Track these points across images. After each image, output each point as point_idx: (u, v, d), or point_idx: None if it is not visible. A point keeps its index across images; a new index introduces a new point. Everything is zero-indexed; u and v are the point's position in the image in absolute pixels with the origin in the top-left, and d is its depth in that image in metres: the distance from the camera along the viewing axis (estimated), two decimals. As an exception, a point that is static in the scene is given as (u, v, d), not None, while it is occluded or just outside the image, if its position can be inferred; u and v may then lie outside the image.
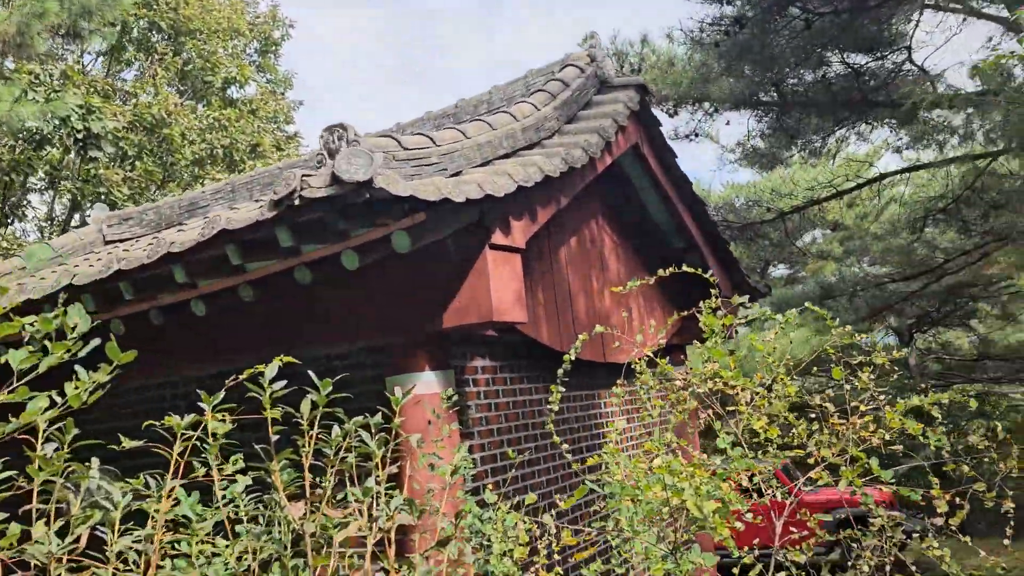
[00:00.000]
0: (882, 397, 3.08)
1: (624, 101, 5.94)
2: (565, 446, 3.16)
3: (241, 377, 2.33)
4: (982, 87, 11.12)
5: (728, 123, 10.54)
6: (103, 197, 12.79)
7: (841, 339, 3.26)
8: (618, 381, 3.83)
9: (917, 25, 8.78)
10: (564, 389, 5.64)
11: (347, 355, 4.71)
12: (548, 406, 3.26)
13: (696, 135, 10.56)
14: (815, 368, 20.55)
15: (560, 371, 3.57)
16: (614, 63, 6.96)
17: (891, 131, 12.51)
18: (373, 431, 2.44)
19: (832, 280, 12.78)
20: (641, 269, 7.16)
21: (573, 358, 3.28)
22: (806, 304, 3.69)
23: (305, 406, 2.27)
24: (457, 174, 4.23)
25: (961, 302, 19.30)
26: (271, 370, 2.25)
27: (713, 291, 3.26)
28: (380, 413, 2.64)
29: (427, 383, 4.31)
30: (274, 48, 17.98)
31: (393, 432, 2.58)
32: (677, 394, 3.11)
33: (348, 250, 3.73)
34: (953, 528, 2.78)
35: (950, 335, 23.18)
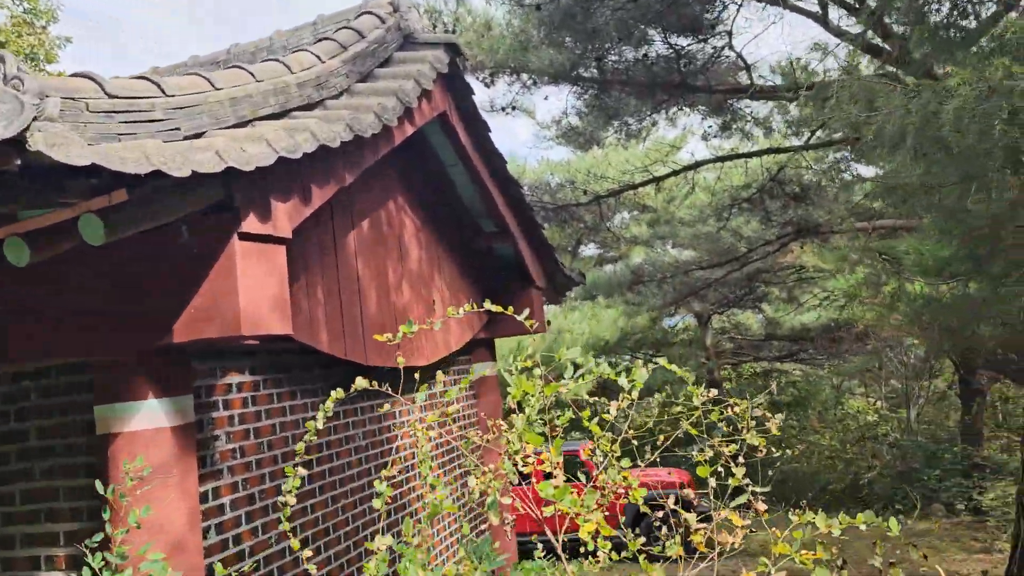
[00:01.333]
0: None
1: (431, 61, 5.02)
2: (307, 552, 2.23)
3: None
4: (784, 81, 11.20)
5: (547, 97, 9.93)
6: None
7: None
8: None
9: (739, 10, 8.50)
10: (331, 415, 4.68)
11: (44, 375, 3.49)
12: (298, 459, 2.31)
13: (513, 108, 9.85)
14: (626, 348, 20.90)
15: (321, 411, 2.65)
16: (424, 19, 6.01)
17: (702, 117, 12.49)
18: None
19: (643, 265, 12.67)
20: (447, 256, 6.32)
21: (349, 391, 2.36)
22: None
23: None
24: (199, 136, 3.15)
25: (755, 287, 20.24)
26: None
27: (532, 340, 2.45)
28: None
29: (151, 415, 3.22)
30: (34, -28, 15.31)
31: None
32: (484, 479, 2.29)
33: (14, 238, 2.57)
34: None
35: (742, 316, 24.44)
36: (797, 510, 2.36)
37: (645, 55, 8.36)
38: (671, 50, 8.38)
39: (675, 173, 10.40)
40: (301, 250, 4.13)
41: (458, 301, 6.39)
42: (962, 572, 11.53)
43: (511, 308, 3.08)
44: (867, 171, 14.29)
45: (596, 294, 13.28)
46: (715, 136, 12.50)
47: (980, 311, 3.49)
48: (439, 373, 2.81)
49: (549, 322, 17.34)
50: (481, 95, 13.23)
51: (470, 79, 9.85)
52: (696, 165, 10.43)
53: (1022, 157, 2.76)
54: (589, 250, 24.14)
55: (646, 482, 13.80)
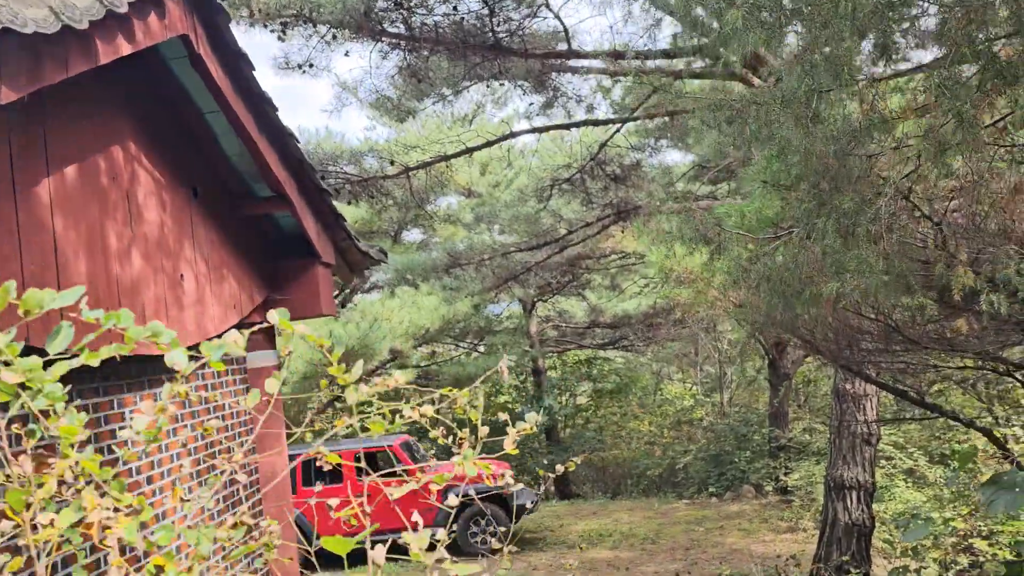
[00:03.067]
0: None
1: (162, -35, 3.92)
2: None
3: None
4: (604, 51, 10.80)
5: (347, 54, 8.87)
6: None
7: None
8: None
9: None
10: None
11: None
12: None
13: (311, 65, 8.75)
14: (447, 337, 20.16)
15: None
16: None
17: (523, 93, 11.93)
18: None
19: (460, 248, 11.92)
20: (208, 223, 5.21)
21: None
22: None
23: None
24: None
25: (579, 273, 20.14)
26: None
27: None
28: None
29: None
30: None
31: None
32: None
33: None
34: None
35: (566, 304, 24.43)
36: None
37: (455, 8, 7.54)
38: (484, 5, 7.61)
39: (489, 144, 9.69)
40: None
41: (221, 277, 5.30)
42: (771, 552, 11.70)
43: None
44: (684, 157, 14.29)
45: (412, 278, 12.41)
46: (538, 114, 11.94)
47: (824, 264, 2.98)
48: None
49: (345, 304, 16.19)
50: (275, 50, 11.87)
51: (259, 30, 8.65)
52: (511, 135, 9.78)
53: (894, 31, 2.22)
54: (413, 235, 23.22)
55: (460, 476, 13.11)
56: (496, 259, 11.54)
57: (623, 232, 14.32)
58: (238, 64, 4.75)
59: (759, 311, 3.87)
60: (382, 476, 13.22)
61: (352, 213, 19.94)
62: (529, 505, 12.96)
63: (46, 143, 3.64)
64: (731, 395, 22.20)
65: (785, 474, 15.68)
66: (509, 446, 1.59)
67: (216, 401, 5.53)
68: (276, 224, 6.07)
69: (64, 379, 3.59)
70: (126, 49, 3.63)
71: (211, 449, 5.36)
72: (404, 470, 13.62)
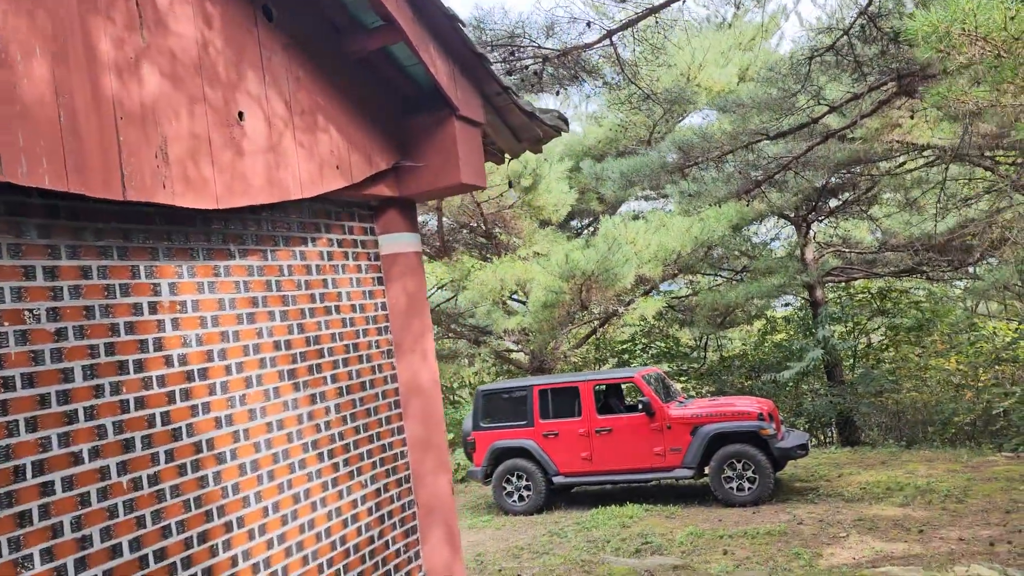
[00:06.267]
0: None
1: None
2: None
3: None
4: None
5: None
6: None
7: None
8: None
9: None
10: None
11: None
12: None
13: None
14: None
15: None
16: None
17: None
18: None
19: (693, 140, 9.94)
20: (289, 55, 4.06)
21: None
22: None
23: None
24: None
25: (860, 187, 17.08)
26: None
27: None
28: None
29: None
30: None
31: None
32: None
33: None
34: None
35: (849, 225, 21.15)
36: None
37: None
38: None
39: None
40: None
41: (313, 126, 4.16)
42: None
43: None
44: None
45: (637, 181, 10.73)
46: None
47: None
48: None
49: (522, 185, 14.42)
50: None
51: None
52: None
53: None
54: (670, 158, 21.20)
55: (719, 412, 11.34)
56: (739, 153, 9.48)
57: (912, 118, 11.41)
58: None
59: None
60: (624, 411, 11.57)
61: (595, 133, 18.54)
62: (797, 449, 10.93)
63: None
64: (1071, 327, 17.79)
65: None
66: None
67: (326, 288, 4.46)
68: (406, 74, 4.82)
69: (41, 228, 2.53)
70: None
71: (316, 346, 4.31)
72: (646, 404, 12.15)
